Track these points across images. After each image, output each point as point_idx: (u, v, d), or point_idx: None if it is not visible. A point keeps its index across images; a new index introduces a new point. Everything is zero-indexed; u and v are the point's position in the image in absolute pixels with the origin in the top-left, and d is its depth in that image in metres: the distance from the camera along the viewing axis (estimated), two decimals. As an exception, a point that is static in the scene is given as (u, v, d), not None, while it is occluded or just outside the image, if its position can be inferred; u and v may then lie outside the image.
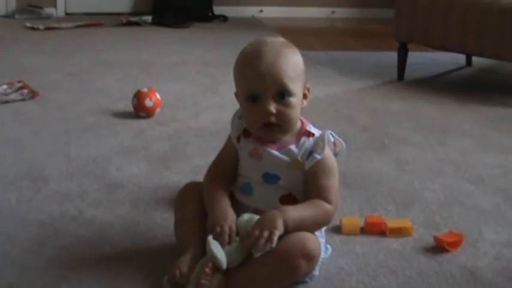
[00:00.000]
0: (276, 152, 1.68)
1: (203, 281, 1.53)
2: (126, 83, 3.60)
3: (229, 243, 1.59)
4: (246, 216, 1.64)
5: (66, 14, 6.18)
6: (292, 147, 1.68)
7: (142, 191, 2.20)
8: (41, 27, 5.36)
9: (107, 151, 2.56)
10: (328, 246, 1.76)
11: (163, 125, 2.91)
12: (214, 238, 1.59)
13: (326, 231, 1.77)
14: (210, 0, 6.22)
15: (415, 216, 2.07)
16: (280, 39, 1.74)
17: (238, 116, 1.77)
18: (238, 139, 1.74)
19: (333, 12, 6.70)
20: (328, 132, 1.69)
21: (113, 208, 2.07)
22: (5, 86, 3.35)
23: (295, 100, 1.64)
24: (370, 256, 1.83)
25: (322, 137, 1.68)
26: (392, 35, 3.99)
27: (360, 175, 2.39)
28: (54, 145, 2.63)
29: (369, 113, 3.24)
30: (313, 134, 1.70)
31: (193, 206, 1.74)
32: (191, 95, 3.44)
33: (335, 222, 1.92)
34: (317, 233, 1.67)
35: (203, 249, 1.60)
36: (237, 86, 1.71)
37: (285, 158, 1.67)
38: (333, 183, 1.68)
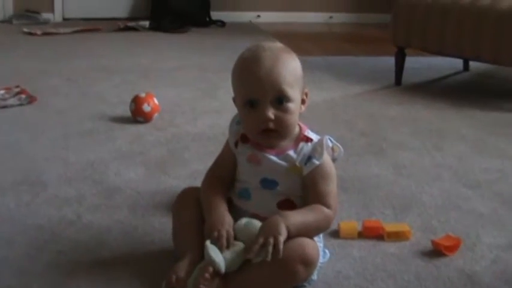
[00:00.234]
0: (274, 158, 1.68)
1: (202, 286, 1.53)
2: (124, 88, 3.61)
3: (227, 247, 1.59)
4: (243, 221, 1.64)
5: (64, 19, 6.19)
6: (291, 152, 1.68)
7: (140, 196, 2.20)
8: (38, 32, 5.37)
9: (105, 156, 2.56)
10: (326, 251, 1.77)
11: (161, 130, 2.91)
12: (212, 243, 1.60)
13: (324, 235, 1.77)
14: (207, 6, 6.23)
15: (413, 221, 2.08)
16: (278, 45, 1.74)
17: (236, 122, 1.76)
18: (236, 144, 1.74)
19: (331, 17, 6.72)
20: (327, 137, 1.70)
21: (111, 213, 2.07)
22: (2, 91, 3.36)
23: (294, 106, 1.64)
24: (368, 260, 1.83)
25: (320, 142, 1.68)
26: (390, 40, 4.00)
27: (358, 179, 2.39)
28: (52, 150, 2.63)
29: (366, 117, 3.25)
30: (311, 139, 1.70)
31: (191, 211, 1.74)
32: (189, 100, 3.44)
33: (333, 226, 1.91)
34: (315, 237, 1.67)
35: (201, 254, 1.60)
36: (235, 91, 1.70)
37: (283, 163, 1.67)
38: (332, 188, 1.69)
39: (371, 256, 1.85)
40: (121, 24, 5.76)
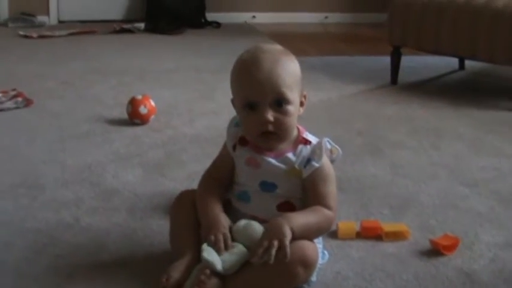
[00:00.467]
0: (273, 160, 1.68)
1: (199, 288, 1.54)
2: (120, 90, 3.60)
3: (225, 249, 1.59)
4: (242, 222, 1.64)
5: (59, 21, 6.18)
6: (290, 155, 1.68)
7: (138, 198, 2.20)
8: (34, 35, 5.36)
9: (102, 158, 2.56)
10: (326, 252, 1.77)
11: (158, 131, 2.91)
12: (209, 245, 1.60)
13: (323, 236, 1.77)
14: (202, 7, 6.22)
15: (411, 220, 2.08)
16: (278, 47, 1.74)
17: (234, 124, 1.76)
18: (234, 147, 1.74)
19: (326, 17, 6.71)
20: (325, 139, 1.70)
21: (109, 215, 2.07)
22: (-1, 95, 3.36)
23: (293, 108, 1.64)
24: (367, 260, 1.83)
25: (319, 145, 1.68)
26: (386, 39, 4.00)
27: (355, 179, 2.40)
28: (50, 153, 2.63)
29: (363, 117, 3.25)
30: (310, 142, 1.70)
31: (189, 213, 1.74)
32: (185, 101, 3.44)
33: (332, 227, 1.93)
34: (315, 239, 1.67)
35: (198, 256, 1.60)
36: (233, 93, 1.70)
37: (282, 166, 1.67)
38: (332, 189, 1.69)
39: (370, 256, 1.85)
40: (116, 27, 5.75)
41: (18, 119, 3.08)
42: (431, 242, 1.91)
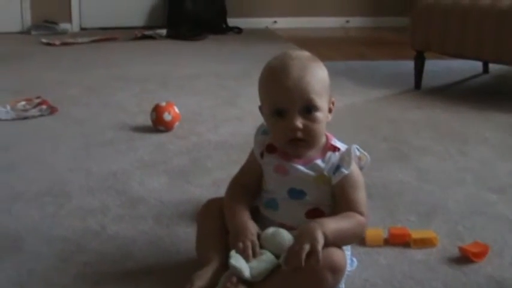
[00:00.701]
0: (301, 167, 1.67)
1: (225, 296, 1.53)
2: (143, 97, 3.61)
3: (254, 257, 1.59)
4: (270, 230, 1.63)
5: (81, 28, 6.23)
6: (319, 161, 1.67)
7: (164, 206, 2.20)
8: (56, 42, 5.40)
9: (127, 166, 2.57)
10: (354, 259, 1.75)
11: (182, 138, 2.91)
12: (237, 252, 1.59)
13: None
14: (224, 12, 6.24)
15: (438, 227, 2.06)
16: (306, 53, 1.73)
17: (261, 131, 1.76)
18: (261, 155, 1.74)
19: (347, 21, 6.71)
20: (354, 146, 1.69)
21: (136, 223, 2.07)
22: (23, 102, 3.38)
23: (322, 115, 1.64)
24: (395, 268, 1.81)
25: (348, 152, 1.67)
26: (408, 44, 3.99)
27: (382, 186, 2.38)
28: (75, 160, 2.64)
29: (387, 122, 3.23)
30: (338, 149, 1.69)
31: (216, 221, 1.73)
32: (209, 107, 3.44)
33: (359, 234, 1.92)
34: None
35: (224, 263, 1.60)
36: (262, 100, 1.70)
37: (311, 173, 1.67)
38: (362, 195, 1.68)
39: (398, 263, 1.84)
40: (138, 33, 5.78)
41: (43, 127, 3.10)
42: (461, 249, 1.88)
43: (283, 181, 1.68)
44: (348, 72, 4.33)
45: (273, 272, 1.57)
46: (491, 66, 4.34)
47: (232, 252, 1.58)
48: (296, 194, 1.67)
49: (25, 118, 3.20)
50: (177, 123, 3.01)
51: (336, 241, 1.58)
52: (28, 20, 6.09)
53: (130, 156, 2.69)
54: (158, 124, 2.98)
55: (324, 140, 1.70)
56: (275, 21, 6.58)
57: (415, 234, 1.95)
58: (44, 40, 5.49)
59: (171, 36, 5.81)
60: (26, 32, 6.01)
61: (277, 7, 6.60)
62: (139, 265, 1.81)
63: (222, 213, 1.74)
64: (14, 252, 1.87)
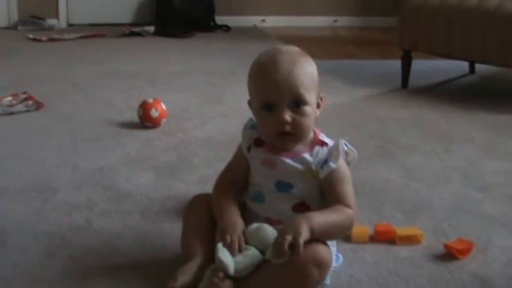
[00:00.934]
0: (289, 161, 1.68)
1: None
2: (130, 93, 3.61)
3: (239, 251, 1.59)
4: (254, 225, 1.64)
5: (69, 25, 6.21)
6: (306, 155, 1.68)
7: (151, 201, 2.20)
8: (43, 38, 5.38)
9: (113, 162, 2.56)
10: (340, 255, 1.76)
11: (169, 135, 2.91)
12: (223, 246, 1.59)
13: (336, 240, 1.76)
14: (212, 10, 6.24)
15: (424, 224, 2.07)
16: (295, 48, 1.74)
17: (249, 126, 1.77)
18: (249, 149, 1.74)
19: (335, 20, 6.72)
20: (342, 141, 1.70)
21: (122, 218, 2.07)
22: (9, 98, 3.37)
23: (310, 109, 1.65)
24: (381, 264, 1.82)
25: (336, 146, 1.68)
26: (396, 43, 4.00)
27: (368, 183, 2.39)
28: (61, 156, 2.63)
29: (374, 121, 3.24)
30: (326, 144, 1.70)
31: (202, 217, 1.74)
32: (196, 104, 3.44)
33: (344, 230, 1.92)
34: (328, 241, 1.67)
35: (209, 258, 1.61)
36: (251, 94, 1.71)
37: (299, 166, 1.67)
38: (350, 189, 1.69)
39: (383, 260, 1.84)
40: (126, 30, 5.77)
41: (29, 123, 3.09)
42: (445, 246, 1.90)
43: (271, 174, 1.69)
44: (335, 71, 4.33)
45: (258, 267, 1.58)
46: (478, 67, 4.36)
47: (219, 246, 1.59)
48: (283, 186, 1.68)
49: (11, 114, 3.19)
50: (164, 120, 3.01)
51: (324, 234, 1.58)
52: (15, 15, 6.05)
53: (117, 152, 2.68)
54: (145, 120, 2.98)
55: (312, 135, 1.71)
56: (263, 20, 6.58)
57: (401, 231, 1.96)
58: (30, 36, 5.47)
59: (159, 33, 5.80)
60: (12, 28, 5.98)
61: (265, 5, 6.60)
62: (125, 260, 1.82)
63: (208, 209, 1.74)
64: (-1, 247, 1.86)
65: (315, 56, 1.80)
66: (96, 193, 2.26)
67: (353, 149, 1.73)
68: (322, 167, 1.66)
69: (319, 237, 1.57)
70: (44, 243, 1.90)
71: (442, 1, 3.71)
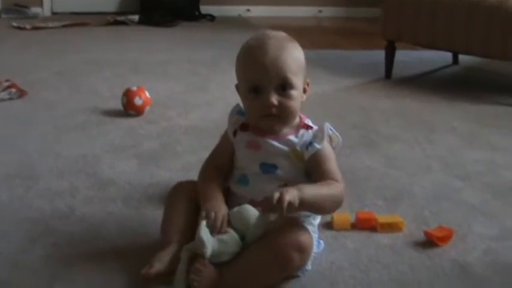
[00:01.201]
0: (274, 142, 1.70)
1: (194, 276, 1.54)
2: (114, 81, 3.60)
3: (220, 231, 1.60)
4: (236, 208, 1.65)
5: (53, 13, 6.17)
6: (291, 137, 1.71)
7: (133, 188, 2.21)
8: (27, 26, 5.35)
9: (97, 149, 2.56)
10: (321, 242, 1.78)
11: (153, 123, 2.91)
12: (206, 226, 1.60)
13: (318, 227, 1.78)
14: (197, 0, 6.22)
15: (405, 212, 2.09)
16: (283, 34, 1.76)
17: (236, 112, 1.79)
18: (234, 134, 1.76)
19: (320, 11, 6.72)
20: (327, 125, 1.72)
21: (104, 205, 2.07)
22: (-8, 85, 3.35)
23: (296, 93, 1.68)
24: (362, 251, 1.84)
25: (321, 129, 1.72)
26: (380, 34, 4.01)
27: (350, 172, 2.39)
28: (44, 143, 2.63)
29: (357, 110, 3.26)
30: (311, 127, 1.73)
31: (183, 203, 1.75)
32: (180, 93, 3.44)
33: (326, 218, 1.94)
34: (310, 227, 1.69)
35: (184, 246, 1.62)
36: (239, 77, 1.73)
37: (284, 147, 1.70)
38: (335, 166, 1.72)
39: (365, 247, 1.86)
40: (110, 19, 5.74)
41: (12, 110, 3.08)
42: (426, 233, 1.91)
43: (255, 156, 1.71)
44: (319, 61, 4.34)
45: (237, 255, 1.60)
46: (461, 57, 4.38)
47: (203, 224, 1.59)
48: (268, 168, 1.69)
49: (-6, 101, 3.18)
50: (147, 108, 3.01)
51: (316, 206, 1.62)
52: (-2, 3, 6.02)
53: (100, 140, 2.68)
54: (129, 108, 2.98)
55: (298, 119, 1.74)
56: (248, 9, 6.57)
57: (382, 218, 1.98)
58: (14, 24, 5.43)
59: (143, 22, 5.77)
60: (-4, 16, 5.95)
61: (250, -5, 6.60)
62: (108, 246, 1.82)
63: (190, 196, 1.76)
64: (-18, 233, 1.86)
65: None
66: (79, 180, 2.26)
67: (337, 134, 1.75)
68: (307, 148, 1.69)
69: (310, 208, 1.61)
70: (26, 229, 1.90)
71: (426, -8, 3.72)
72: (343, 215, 1.98)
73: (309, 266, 1.67)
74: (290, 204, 1.53)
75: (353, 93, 3.61)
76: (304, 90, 1.74)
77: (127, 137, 2.73)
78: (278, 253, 1.55)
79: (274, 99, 1.64)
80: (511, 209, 2.16)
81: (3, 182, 2.23)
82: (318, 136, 1.70)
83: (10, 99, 3.23)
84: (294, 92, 1.67)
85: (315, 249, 1.68)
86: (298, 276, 1.66)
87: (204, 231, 1.58)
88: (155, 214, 1.98)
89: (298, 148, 1.69)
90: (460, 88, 3.80)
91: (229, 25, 5.82)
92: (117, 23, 5.70)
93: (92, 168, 2.37)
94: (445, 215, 2.09)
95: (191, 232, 1.64)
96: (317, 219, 1.76)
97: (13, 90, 3.31)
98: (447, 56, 4.38)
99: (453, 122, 3.10)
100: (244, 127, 1.75)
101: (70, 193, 2.15)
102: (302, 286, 1.65)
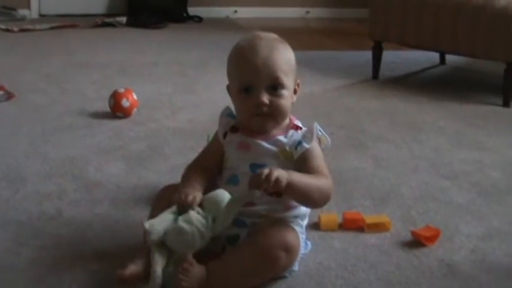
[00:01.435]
0: (264, 143, 1.71)
1: (181, 276, 1.55)
2: (102, 83, 3.60)
3: (189, 209, 1.61)
4: (211, 192, 1.67)
5: (40, 15, 6.15)
6: (281, 137, 1.72)
7: (121, 191, 2.20)
8: (15, 28, 5.33)
9: (84, 151, 2.56)
10: (308, 242, 1.78)
11: (140, 125, 2.91)
12: (178, 210, 1.62)
13: (305, 227, 1.78)
14: (184, 1, 6.22)
15: (392, 212, 2.10)
16: (274, 35, 1.78)
17: (226, 114, 1.80)
18: (224, 136, 1.77)
19: (307, 12, 6.73)
20: (316, 125, 1.73)
21: (92, 207, 2.07)
22: (-20, 88, 3.34)
23: (287, 93, 1.70)
24: (349, 251, 1.85)
25: (310, 129, 1.73)
26: (367, 34, 4.02)
27: (337, 172, 2.40)
28: (32, 146, 2.62)
29: (345, 111, 3.26)
30: (301, 128, 1.75)
31: (170, 206, 1.75)
32: (167, 95, 3.44)
33: (313, 218, 1.94)
34: (297, 228, 1.69)
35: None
36: (230, 78, 1.75)
37: (274, 148, 1.71)
38: (324, 164, 1.73)
39: (352, 247, 1.87)
40: (98, 21, 5.73)
41: (0, 113, 3.06)
42: (413, 233, 1.92)
43: (246, 156, 1.72)
44: (306, 62, 4.33)
45: (227, 252, 1.59)
46: (448, 58, 4.40)
47: (167, 211, 1.62)
48: (258, 168, 1.69)
49: (-19, 104, 3.17)
50: (135, 110, 3.01)
51: (302, 192, 1.62)
52: (-15, 5, 6.00)
53: (88, 142, 2.68)
54: (116, 110, 2.98)
55: (288, 120, 1.76)
56: (235, 11, 6.57)
57: (369, 219, 1.99)
58: (1, 26, 5.41)
59: (131, 24, 5.76)
60: (-17, 18, 5.92)
61: (238, -3, 6.60)
62: (96, 248, 1.82)
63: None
64: (-31, 236, 1.86)
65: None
66: (66, 182, 2.26)
67: (326, 135, 1.76)
68: (296, 148, 1.70)
69: (297, 194, 1.62)
70: (14, 232, 1.90)
71: (413, -8, 3.73)
72: (330, 216, 1.99)
73: (296, 267, 1.68)
74: (277, 180, 1.55)
75: (340, 94, 3.62)
76: (295, 91, 1.76)
77: (114, 138, 2.72)
78: (265, 252, 1.56)
79: (266, 98, 1.66)
80: (498, 209, 2.17)
81: (-10, 184, 2.23)
82: (307, 136, 1.71)
83: (-3, 101, 3.22)
84: (285, 92, 1.69)
85: (302, 250, 1.68)
86: (285, 277, 1.67)
87: (160, 218, 1.60)
88: (142, 216, 1.97)
89: (287, 148, 1.71)
90: (447, 88, 3.82)
91: (217, 26, 5.83)
92: (105, 25, 5.69)
93: (79, 170, 2.37)
94: (432, 215, 2.10)
95: None
96: (305, 220, 1.76)
97: (1, 92, 3.30)
98: (434, 56, 4.39)
99: (440, 121, 3.12)
100: (234, 129, 1.76)
101: (57, 195, 2.15)
102: (289, 287, 1.66)
